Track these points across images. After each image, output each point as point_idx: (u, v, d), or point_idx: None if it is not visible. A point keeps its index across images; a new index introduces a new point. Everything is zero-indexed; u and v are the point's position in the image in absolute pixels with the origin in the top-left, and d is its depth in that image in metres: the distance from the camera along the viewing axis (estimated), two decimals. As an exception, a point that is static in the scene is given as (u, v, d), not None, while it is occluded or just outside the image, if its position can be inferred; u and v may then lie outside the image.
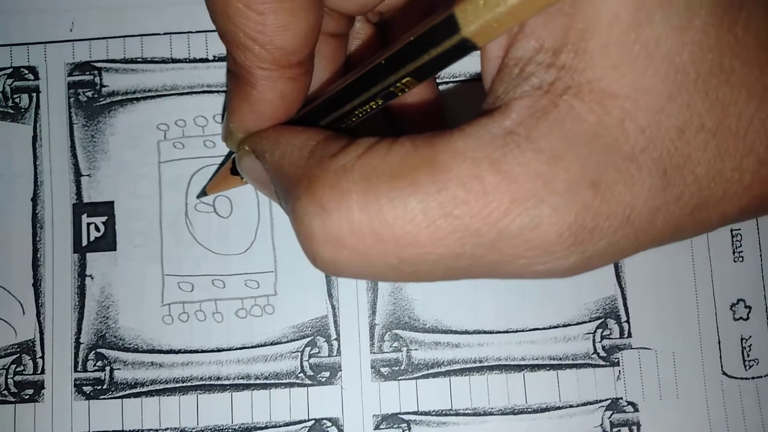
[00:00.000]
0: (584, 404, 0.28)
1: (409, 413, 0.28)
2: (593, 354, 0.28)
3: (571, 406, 0.28)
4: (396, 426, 0.27)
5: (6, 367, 0.28)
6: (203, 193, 0.28)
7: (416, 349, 0.28)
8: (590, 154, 0.14)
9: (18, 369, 0.28)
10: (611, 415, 0.28)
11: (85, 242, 0.28)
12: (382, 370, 0.28)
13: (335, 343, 0.28)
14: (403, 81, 0.17)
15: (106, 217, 0.28)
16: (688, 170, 0.15)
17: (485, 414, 0.28)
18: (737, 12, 0.15)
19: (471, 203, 0.15)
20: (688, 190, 0.15)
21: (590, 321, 0.28)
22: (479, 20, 0.14)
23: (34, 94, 0.29)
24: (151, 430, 0.27)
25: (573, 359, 0.28)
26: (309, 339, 0.28)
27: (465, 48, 0.15)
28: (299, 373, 0.28)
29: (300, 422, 0.27)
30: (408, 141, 0.16)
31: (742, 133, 0.15)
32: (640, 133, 0.14)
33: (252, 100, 0.19)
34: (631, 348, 0.28)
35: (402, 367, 0.28)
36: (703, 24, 0.14)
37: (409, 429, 0.27)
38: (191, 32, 0.29)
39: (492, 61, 0.16)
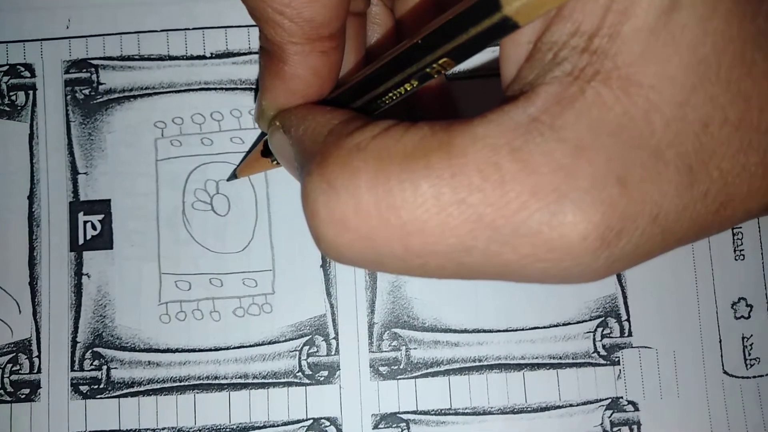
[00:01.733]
0: (584, 403, 0.28)
1: (408, 413, 0.27)
2: (593, 353, 0.28)
3: (571, 406, 0.28)
4: (395, 425, 0.27)
5: (2, 366, 0.27)
6: (233, 176, 0.28)
7: (415, 348, 0.28)
8: (615, 146, 0.14)
9: (14, 368, 0.27)
10: (611, 414, 0.28)
11: (81, 240, 0.28)
12: (381, 369, 0.28)
13: (334, 342, 0.28)
14: (440, 62, 0.16)
15: (102, 216, 0.28)
16: (714, 166, 0.14)
17: (485, 413, 0.27)
18: (759, 2, 0.14)
19: (487, 191, 0.14)
20: (714, 186, 0.14)
21: (590, 320, 0.28)
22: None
23: (31, 92, 0.28)
24: (148, 429, 0.27)
25: (573, 358, 0.28)
26: (307, 338, 0.28)
27: (506, 27, 0.14)
28: (297, 372, 0.27)
29: (298, 422, 0.27)
30: (426, 125, 0.15)
31: (764, 127, 0.15)
32: (666, 127, 0.14)
33: (284, 77, 0.19)
34: (632, 347, 0.28)
35: (401, 366, 0.28)
36: (726, 13, 0.14)
37: (408, 428, 0.27)
38: (188, 29, 0.28)
39: (521, 46, 0.16)
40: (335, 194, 0.15)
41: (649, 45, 0.14)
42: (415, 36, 0.17)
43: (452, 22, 0.15)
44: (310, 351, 0.28)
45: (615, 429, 0.27)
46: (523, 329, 0.28)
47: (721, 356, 0.28)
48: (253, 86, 0.28)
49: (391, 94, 0.18)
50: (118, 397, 0.27)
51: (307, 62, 0.19)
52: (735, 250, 0.28)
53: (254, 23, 0.19)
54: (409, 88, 0.18)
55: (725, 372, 0.28)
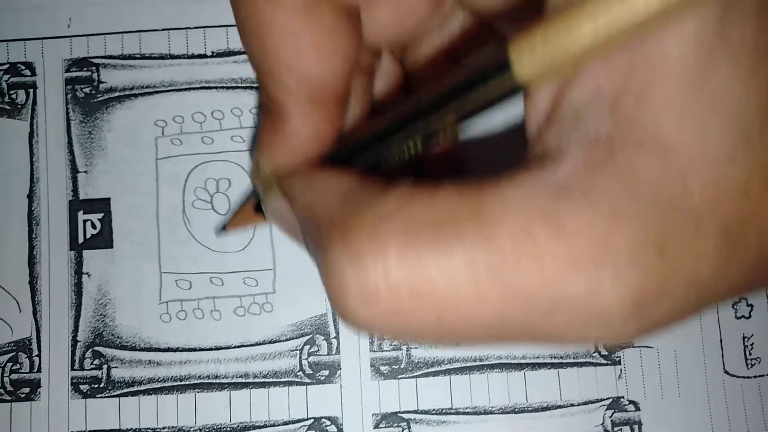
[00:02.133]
0: (585, 403, 0.28)
1: (408, 412, 0.27)
2: (595, 352, 0.28)
3: (572, 405, 0.27)
4: (396, 425, 0.27)
5: (2, 365, 0.27)
6: (223, 230, 0.28)
7: (416, 348, 0.28)
8: (651, 212, 0.13)
9: (14, 367, 0.27)
10: (612, 414, 0.27)
11: (81, 239, 0.28)
12: (382, 368, 0.27)
13: (334, 341, 0.28)
14: (446, 123, 0.16)
15: (102, 214, 0.28)
16: (753, 229, 0.14)
17: (486, 413, 0.27)
18: None
19: (522, 261, 0.13)
20: (752, 252, 0.14)
21: (591, 319, 0.28)
22: (536, 62, 0.13)
23: (31, 90, 0.28)
24: (148, 429, 0.27)
25: (574, 358, 0.28)
26: (308, 337, 0.28)
27: (517, 90, 0.14)
28: (298, 371, 0.27)
29: (299, 421, 0.27)
30: (453, 188, 0.14)
31: None
32: (704, 191, 0.13)
33: (284, 135, 0.19)
34: (633, 346, 0.28)
35: (402, 366, 0.28)
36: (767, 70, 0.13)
37: (409, 428, 0.27)
38: (189, 28, 0.28)
39: (541, 105, 0.15)
40: (364, 269, 0.14)
41: (684, 109, 0.13)
42: (419, 96, 0.16)
43: (461, 83, 0.15)
44: (310, 350, 0.28)
45: (616, 429, 0.27)
46: (524, 329, 0.28)
47: (722, 356, 0.28)
48: (254, 85, 0.28)
49: (393, 154, 0.18)
50: (119, 396, 0.27)
51: (309, 122, 0.18)
52: (736, 250, 0.28)
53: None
54: (412, 149, 0.17)
55: (726, 372, 0.28)
